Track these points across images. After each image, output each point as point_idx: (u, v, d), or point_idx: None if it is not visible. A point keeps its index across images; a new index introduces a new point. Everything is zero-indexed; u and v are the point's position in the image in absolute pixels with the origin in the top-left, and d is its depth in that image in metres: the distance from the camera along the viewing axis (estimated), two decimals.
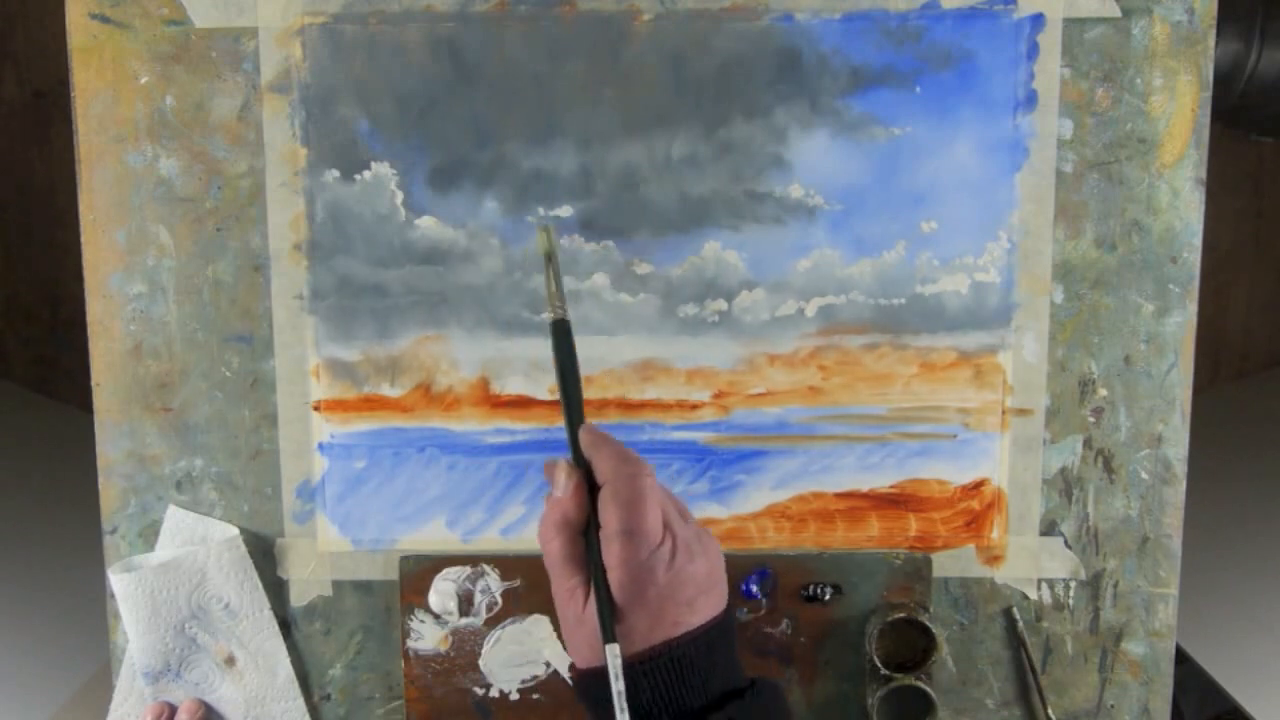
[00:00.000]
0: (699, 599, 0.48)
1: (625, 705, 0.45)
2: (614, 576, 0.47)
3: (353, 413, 0.67)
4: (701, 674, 0.47)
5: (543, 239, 0.56)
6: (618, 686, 0.46)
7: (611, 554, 0.47)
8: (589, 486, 0.50)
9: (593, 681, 0.48)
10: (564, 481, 0.50)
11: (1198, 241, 0.65)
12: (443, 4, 0.64)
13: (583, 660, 0.49)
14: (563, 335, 0.53)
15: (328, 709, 0.69)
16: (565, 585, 0.49)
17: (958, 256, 0.65)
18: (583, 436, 0.51)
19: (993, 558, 0.68)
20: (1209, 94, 0.64)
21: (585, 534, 0.49)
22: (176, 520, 0.67)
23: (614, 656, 0.46)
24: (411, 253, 0.66)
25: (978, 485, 0.67)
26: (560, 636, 0.66)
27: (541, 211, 0.65)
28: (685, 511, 0.52)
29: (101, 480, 0.68)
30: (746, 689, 0.48)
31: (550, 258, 0.55)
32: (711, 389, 0.67)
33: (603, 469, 0.49)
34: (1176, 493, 0.67)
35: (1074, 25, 0.63)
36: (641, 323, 0.66)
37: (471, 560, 0.67)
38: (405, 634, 0.68)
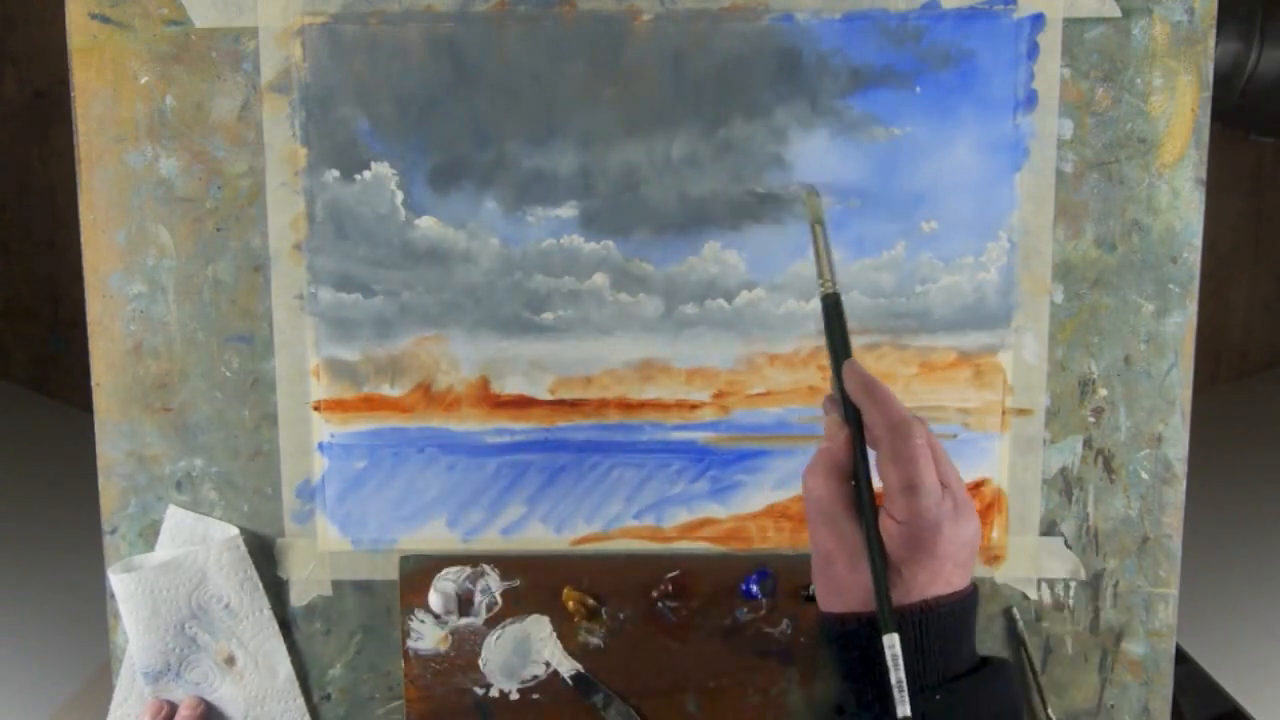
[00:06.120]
0: (969, 563, 0.48)
1: (902, 676, 0.45)
2: (900, 530, 0.47)
3: (353, 413, 0.67)
4: (955, 638, 0.47)
5: (812, 204, 0.53)
6: (891, 650, 0.45)
7: (896, 509, 0.47)
8: (857, 426, 0.49)
9: (856, 627, 0.47)
10: (836, 434, 0.49)
11: (1198, 241, 0.65)
12: (443, 4, 0.64)
13: (842, 605, 0.48)
14: (833, 310, 0.52)
15: (328, 709, 0.69)
16: (837, 530, 0.48)
17: (958, 256, 0.65)
18: (848, 380, 0.50)
19: (993, 557, 0.68)
20: (1209, 94, 0.64)
21: (854, 481, 0.49)
22: (176, 520, 0.68)
23: (890, 648, 0.45)
24: (411, 253, 0.66)
25: (978, 485, 0.67)
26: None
27: (540, 211, 0.65)
28: (956, 471, 0.50)
29: (101, 480, 0.68)
30: (978, 668, 0.48)
31: (818, 225, 0.52)
32: (711, 389, 0.67)
33: (875, 423, 0.48)
34: (1176, 493, 0.67)
35: (1074, 25, 0.63)
36: (641, 323, 0.66)
37: (471, 560, 0.67)
38: (405, 634, 0.68)
